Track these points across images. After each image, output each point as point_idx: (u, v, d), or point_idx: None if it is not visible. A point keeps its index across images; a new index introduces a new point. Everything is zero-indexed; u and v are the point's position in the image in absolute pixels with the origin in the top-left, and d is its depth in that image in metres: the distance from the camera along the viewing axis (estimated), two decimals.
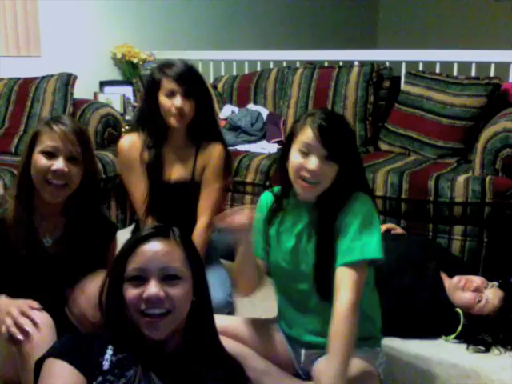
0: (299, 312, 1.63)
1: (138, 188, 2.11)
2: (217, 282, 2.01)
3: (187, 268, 1.23)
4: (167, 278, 1.19)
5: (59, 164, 1.52)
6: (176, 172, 2.12)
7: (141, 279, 1.18)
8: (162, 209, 2.10)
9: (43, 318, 1.44)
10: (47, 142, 1.53)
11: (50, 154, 1.53)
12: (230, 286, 2.16)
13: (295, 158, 1.50)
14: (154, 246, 1.20)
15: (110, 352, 1.19)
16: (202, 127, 2.11)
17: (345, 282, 1.44)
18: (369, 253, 1.47)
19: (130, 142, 2.12)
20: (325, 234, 1.52)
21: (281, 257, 1.60)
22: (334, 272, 1.47)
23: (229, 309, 2.07)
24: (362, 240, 1.47)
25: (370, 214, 1.51)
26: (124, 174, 2.16)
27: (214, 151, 2.13)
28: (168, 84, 2.01)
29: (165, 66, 2.08)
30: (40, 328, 1.40)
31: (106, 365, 1.17)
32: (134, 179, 2.11)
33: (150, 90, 2.08)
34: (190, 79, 2.04)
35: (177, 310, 1.19)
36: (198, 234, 2.06)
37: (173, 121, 2.03)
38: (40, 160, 1.53)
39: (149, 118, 2.09)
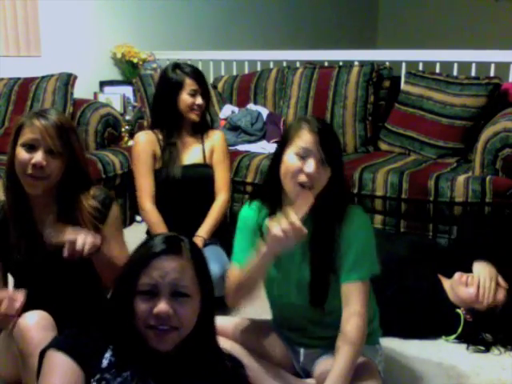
0: (295, 324, 1.65)
1: (148, 178, 2.33)
2: (213, 257, 2.06)
3: (196, 284, 1.25)
4: (177, 294, 1.21)
5: (37, 157, 1.53)
6: (189, 157, 2.37)
7: (151, 294, 1.20)
8: (178, 196, 2.31)
9: (45, 318, 1.44)
10: (28, 134, 1.54)
11: (31, 147, 1.54)
12: (226, 259, 2.19)
13: (292, 161, 1.49)
14: (166, 264, 1.22)
15: (110, 351, 1.21)
16: (205, 119, 2.45)
17: (355, 296, 1.49)
18: (376, 268, 1.54)
19: (147, 137, 2.38)
20: (322, 247, 1.52)
21: (274, 269, 1.58)
22: (330, 283, 1.52)
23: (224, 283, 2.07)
24: (370, 256, 1.54)
25: (370, 229, 1.58)
26: (136, 164, 2.37)
27: (217, 136, 2.44)
28: (192, 85, 2.32)
29: (182, 67, 2.37)
30: (41, 328, 1.40)
31: (104, 363, 1.19)
32: (144, 170, 2.33)
33: (171, 89, 2.33)
34: (204, 80, 2.39)
35: (184, 327, 1.22)
36: (218, 209, 2.34)
37: (194, 116, 2.35)
38: (21, 153, 1.55)
39: (167, 114, 2.35)
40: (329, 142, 1.50)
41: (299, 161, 1.48)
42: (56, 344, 1.21)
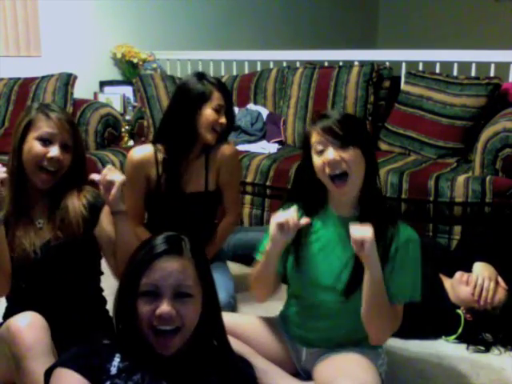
0: (311, 318, 1.63)
1: (136, 202, 2.09)
2: (220, 282, 2.01)
3: (198, 284, 1.25)
4: (179, 295, 1.22)
5: (55, 151, 1.54)
6: (190, 185, 2.12)
7: (154, 295, 1.21)
8: (174, 219, 2.05)
9: (37, 319, 1.43)
10: (44, 128, 1.54)
11: (46, 141, 1.55)
12: (232, 287, 2.17)
13: (316, 161, 1.52)
14: (168, 265, 1.22)
15: (117, 359, 1.21)
16: (220, 142, 2.15)
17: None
18: (417, 295, 1.56)
19: (143, 155, 2.09)
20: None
21: (306, 265, 1.59)
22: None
23: (230, 309, 2.08)
24: (415, 284, 1.55)
25: (419, 253, 1.56)
26: (126, 184, 2.14)
27: (225, 152, 2.13)
28: (219, 99, 2.03)
29: (208, 78, 2.07)
30: (33, 329, 1.39)
31: (113, 370, 1.19)
32: (130, 194, 2.02)
33: (195, 101, 2.02)
34: (230, 97, 2.12)
35: (186, 327, 1.22)
36: (225, 228, 2.22)
37: (211, 137, 2.05)
38: (36, 146, 1.54)
39: (181, 130, 2.04)
40: (340, 124, 1.49)
41: (320, 157, 1.50)
42: (62, 362, 1.21)
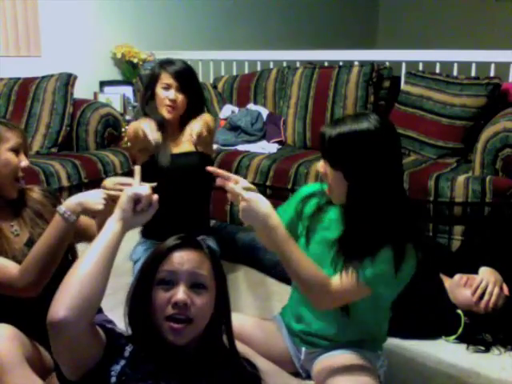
0: (313, 311, 1.62)
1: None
2: None
3: (213, 278, 1.27)
4: (195, 286, 1.23)
5: (26, 159, 1.59)
6: (178, 148, 2.28)
7: (170, 283, 1.22)
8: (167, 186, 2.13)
9: (9, 331, 1.40)
10: (14, 139, 1.57)
11: (16, 151, 1.57)
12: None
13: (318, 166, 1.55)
14: (186, 253, 1.25)
15: (128, 349, 1.22)
16: (188, 117, 2.27)
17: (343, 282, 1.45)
18: (389, 295, 1.53)
19: (137, 124, 2.27)
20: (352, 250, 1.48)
21: (309, 247, 1.59)
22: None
23: None
24: (391, 283, 1.49)
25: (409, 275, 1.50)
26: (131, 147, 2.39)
27: (203, 117, 2.26)
28: (167, 78, 2.22)
29: (165, 62, 2.29)
30: (5, 341, 1.37)
31: (127, 350, 1.21)
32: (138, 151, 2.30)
33: (148, 82, 2.30)
34: (185, 76, 2.25)
35: (198, 320, 1.23)
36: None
37: (165, 112, 2.23)
38: (12, 157, 1.56)
39: (146, 108, 2.27)
40: (327, 142, 1.44)
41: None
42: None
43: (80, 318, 1.07)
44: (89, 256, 1.15)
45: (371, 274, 1.44)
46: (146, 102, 2.28)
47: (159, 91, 2.23)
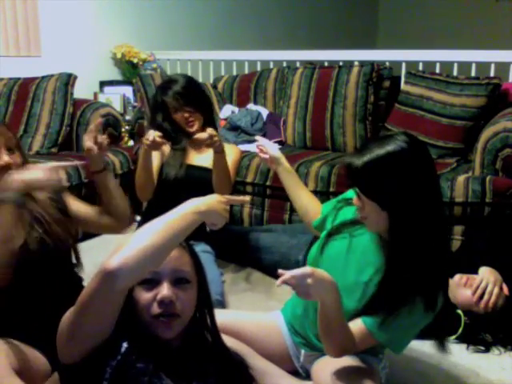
0: (307, 302, 1.61)
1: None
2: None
3: (194, 273, 1.29)
4: (178, 281, 1.24)
5: (5, 157, 1.61)
6: (197, 160, 2.43)
7: (153, 282, 1.22)
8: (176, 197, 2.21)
9: None
10: None
11: None
12: (220, 285, 2.24)
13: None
14: None
15: (125, 345, 1.21)
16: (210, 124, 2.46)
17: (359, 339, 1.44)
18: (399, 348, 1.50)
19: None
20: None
21: (323, 262, 1.57)
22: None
23: (219, 307, 2.08)
24: (406, 336, 1.49)
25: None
26: None
27: (232, 150, 2.48)
28: (174, 104, 2.37)
29: (165, 87, 2.43)
30: None
31: (124, 346, 1.20)
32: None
33: (161, 110, 2.42)
34: (190, 95, 2.40)
35: (184, 314, 1.24)
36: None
37: (189, 129, 2.40)
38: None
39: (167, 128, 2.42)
40: (359, 174, 1.36)
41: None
42: None
43: (132, 273, 1.07)
44: (160, 231, 1.12)
45: (394, 336, 1.44)
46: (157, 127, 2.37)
47: (175, 116, 2.39)
